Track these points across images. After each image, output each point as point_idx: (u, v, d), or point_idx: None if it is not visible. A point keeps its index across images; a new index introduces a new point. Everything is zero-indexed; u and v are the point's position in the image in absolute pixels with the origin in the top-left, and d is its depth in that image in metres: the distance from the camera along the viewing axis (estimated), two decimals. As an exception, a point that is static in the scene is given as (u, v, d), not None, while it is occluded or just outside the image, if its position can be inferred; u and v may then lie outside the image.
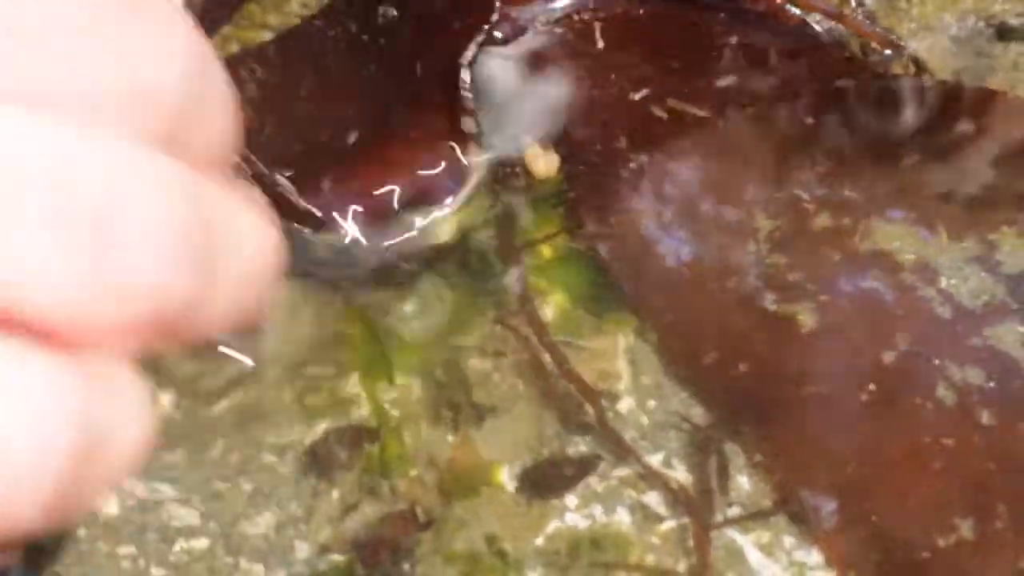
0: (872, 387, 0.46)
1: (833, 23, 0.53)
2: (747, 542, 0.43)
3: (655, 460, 0.45)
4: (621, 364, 0.47)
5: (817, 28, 0.55)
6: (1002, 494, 0.43)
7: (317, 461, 0.43)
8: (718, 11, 0.56)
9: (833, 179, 0.52)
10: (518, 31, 0.55)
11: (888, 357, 0.47)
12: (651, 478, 0.44)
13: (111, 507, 0.40)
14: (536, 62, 0.54)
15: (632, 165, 0.52)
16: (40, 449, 0.20)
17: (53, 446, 0.21)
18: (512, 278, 0.49)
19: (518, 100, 0.53)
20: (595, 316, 0.48)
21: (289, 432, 0.43)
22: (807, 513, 0.43)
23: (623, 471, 0.44)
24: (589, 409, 0.46)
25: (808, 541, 0.43)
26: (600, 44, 0.55)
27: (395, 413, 0.44)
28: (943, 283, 0.49)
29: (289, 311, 0.44)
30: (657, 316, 0.48)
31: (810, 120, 0.53)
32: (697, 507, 0.43)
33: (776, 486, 0.44)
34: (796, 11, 0.54)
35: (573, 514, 0.43)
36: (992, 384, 0.46)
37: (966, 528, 0.43)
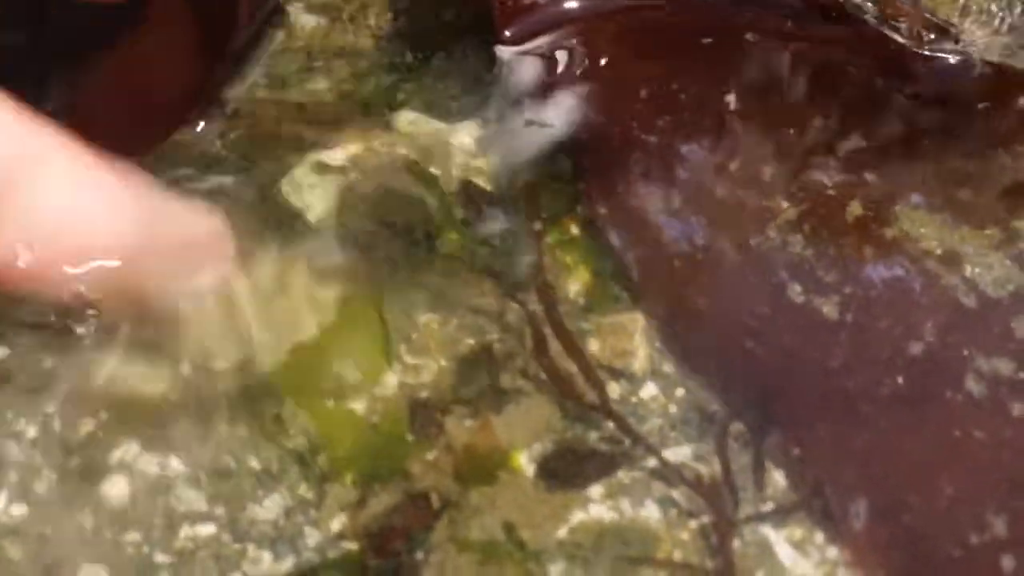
0: (900, 380, 0.44)
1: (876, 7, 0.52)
2: (779, 539, 0.40)
3: (684, 452, 0.42)
4: (646, 352, 0.45)
5: (861, 12, 0.53)
6: (1037, 490, 0.42)
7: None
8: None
9: (858, 164, 0.50)
10: (529, 32, 0.53)
11: (915, 348, 0.45)
12: (674, 470, 0.41)
13: (120, 490, 0.38)
14: (549, 61, 0.53)
15: (645, 150, 0.50)
16: None
17: None
18: (531, 260, 0.47)
19: (532, 95, 0.52)
20: (619, 301, 0.46)
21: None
22: (833, 510, 0.41)
23: (650, 463, 0.42)
24: (611, 397, 0.43)
25: (838, 538, 0.41)
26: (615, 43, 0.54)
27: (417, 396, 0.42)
28: (968, 271, 0.47)
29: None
30: (672, 306, 0.46)
31: (839, 103, 0.52)
32: (721, 502, 0.41)
33: (805, 482, 0.42)
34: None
35: (597, 505, 0.40)
36: (1022, 375, 0.44)
37: (1000, 525, 0.41)
